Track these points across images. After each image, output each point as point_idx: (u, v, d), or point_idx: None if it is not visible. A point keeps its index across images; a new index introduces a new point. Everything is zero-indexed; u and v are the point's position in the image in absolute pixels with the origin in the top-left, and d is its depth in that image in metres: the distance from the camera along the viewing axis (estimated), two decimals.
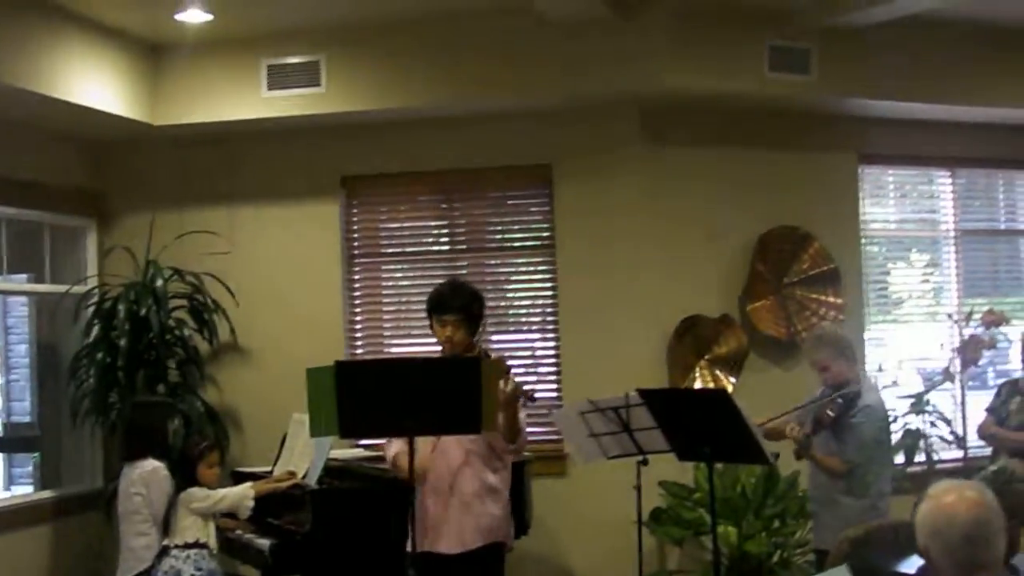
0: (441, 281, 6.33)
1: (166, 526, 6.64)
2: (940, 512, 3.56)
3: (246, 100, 8.30)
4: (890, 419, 6.43)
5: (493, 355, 7.26)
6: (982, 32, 8.62)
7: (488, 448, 5.90)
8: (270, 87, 8.24)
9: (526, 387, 5.69)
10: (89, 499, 8.46)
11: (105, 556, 8.06)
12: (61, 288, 8.51)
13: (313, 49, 8.19)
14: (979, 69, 8.71)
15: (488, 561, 5.94)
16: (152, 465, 6.74)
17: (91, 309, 8.40)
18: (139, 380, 8.10)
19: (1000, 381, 8.53)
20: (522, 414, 5.88)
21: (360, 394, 5.34)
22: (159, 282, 8.21)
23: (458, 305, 5.91)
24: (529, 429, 8.16)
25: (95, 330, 8.31)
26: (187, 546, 6.58)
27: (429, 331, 6.05)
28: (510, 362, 8.29)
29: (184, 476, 6.71)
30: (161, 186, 8.85)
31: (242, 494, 6.75)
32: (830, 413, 6.35)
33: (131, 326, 8.06)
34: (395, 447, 5.95)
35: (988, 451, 7.90)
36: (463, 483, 5.85)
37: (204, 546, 6.63)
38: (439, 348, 6.05)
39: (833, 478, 6.40)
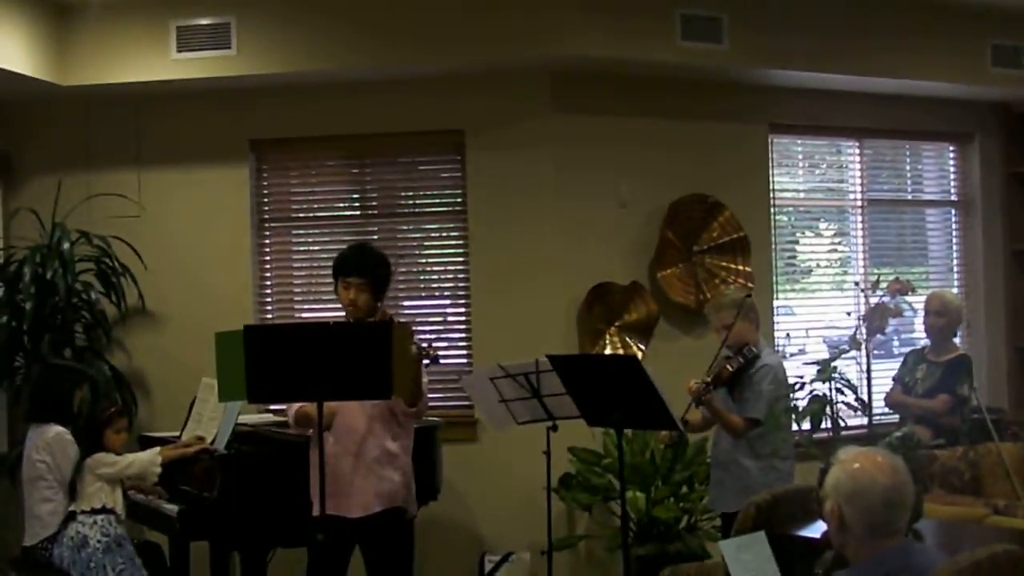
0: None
1: (72, 492, 6.57)
2: (862, 475, 3.64)
3: (155, 62, 8.18)
4: (789, 383, 6.52)
5: (403, 320, 7.27)
6: (892, 5, 8.72)
7: (389, 413, 5.90)
8: (179, 49, 8.13)
9: (430, 348, 5.67)
10: None
11: (10, 522, 7.96)
12: None
13: (223, 11, 8.08)
14: (887, 42, 8.80)
15: (390, 526, 5.97)
16: (55, 430, 6.66)
17: None
18: (45, 344, 7.99)
19: (906, 350, 8.67)
20: (425, 378, 5.90)
21: (269, 359, 5.34)
22: (66, 245, 8.09)
23: (363, 268, 5.91)
24: (439, 395, 8.23)
25: None
26: (94, 512, 6.51)
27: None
28: (421, 328, 8.35)
29: (90, 441, 6.64)
30: (68, 147, 8.72)
31: (150, 460, 6.70)
32: (730, 368, 6.47)
33: (37, 289, 7.94)
34: (296, 404, 5.98)
35: (894, 418, 8.02)
36: (367, 448, 5.86)
37: (111, 512, 6.56)
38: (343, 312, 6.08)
39: (734, 437, 6.51)
